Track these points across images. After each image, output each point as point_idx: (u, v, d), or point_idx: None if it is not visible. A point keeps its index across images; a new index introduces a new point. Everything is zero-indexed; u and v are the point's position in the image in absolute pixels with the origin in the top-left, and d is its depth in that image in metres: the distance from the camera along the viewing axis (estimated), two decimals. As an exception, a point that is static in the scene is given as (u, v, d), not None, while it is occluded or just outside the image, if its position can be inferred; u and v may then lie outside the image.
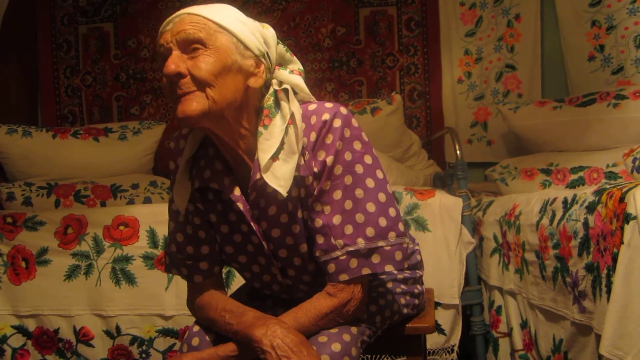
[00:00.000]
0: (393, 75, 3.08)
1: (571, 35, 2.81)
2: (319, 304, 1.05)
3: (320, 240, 1.05)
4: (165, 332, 2.03)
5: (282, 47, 1.11)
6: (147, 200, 2.46)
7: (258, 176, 1.03)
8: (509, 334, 1.99)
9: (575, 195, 1.51)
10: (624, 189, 1.24)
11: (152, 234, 2.04)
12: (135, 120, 3.04)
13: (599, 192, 1.36)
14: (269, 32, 1.08)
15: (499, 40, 2.95)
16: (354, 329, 1.07)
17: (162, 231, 2.04)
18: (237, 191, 1.08)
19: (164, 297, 2.01)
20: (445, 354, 1.96)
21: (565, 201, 1.55)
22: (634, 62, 2.64)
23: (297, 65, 1.13)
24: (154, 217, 2.06)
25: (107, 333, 2.05)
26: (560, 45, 2.86)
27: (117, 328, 2.04)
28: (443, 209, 1.98)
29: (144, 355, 2.04)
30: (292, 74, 1.10)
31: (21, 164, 2.58)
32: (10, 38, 2.94)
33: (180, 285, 2.00)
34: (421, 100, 3.07)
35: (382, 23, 3.07)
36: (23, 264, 2.06)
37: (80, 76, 3.26)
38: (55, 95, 3.28)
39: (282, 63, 1.12)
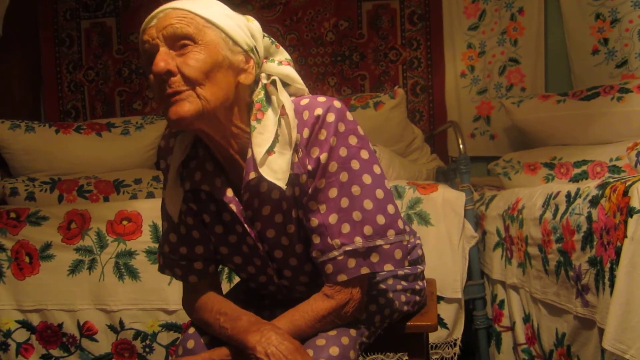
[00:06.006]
0: (396, 69, 3.07)
1: (575, 29, 2.79)
2: (317, 306, 1.01)
3: (316, 240, 1.01)
4: (169, 327, 2.04)
5: (267, 40, 1.07)
6: (150, 195, 2.46)
7: (252, 175, 0.99)
8: (511, 328, 1.99)
9: (578, 189, 1.50)
10: (628, 183, 1.24)
11: (155, 228, 2.05)
12: (137, 115, 3.04)
13: (602, 186, 1.35)
14: (254, 25, 1.04)
15: (503, 34, 2.93)
16: (352, 331, 1.04)
17: (165, 226, 2.04)
18: (229, 192, 1.05)
19: (167, 291, 2.02)
20: (448, 348, 1.96)
21: (568, 195, 1.54)
22: (639, 55, 2.63)
23: (284, 55, 1.08)
24: (157, 212, 2.04)
25: (111, 327, 2.05)
26: (564, 39, 2.85)
27: (121, 322, 2.04)
28: (446, 203, 1.98)
29: (147, 350, 2.05)
30: (281, 65, 1.06)
31: (24, 159, 2.59)
32: (13, 33, 2.94)
33: (183, 279, 2.00)
34: (424, 94, 3.06)
35: (384, 17, 3.06)
36: (27, 259, 2.06)
37: (82, 71, 3.26)
38: (58, 90, 3.28)
39: (268, 56, 1.08)
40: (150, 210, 2.08)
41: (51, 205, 2.27)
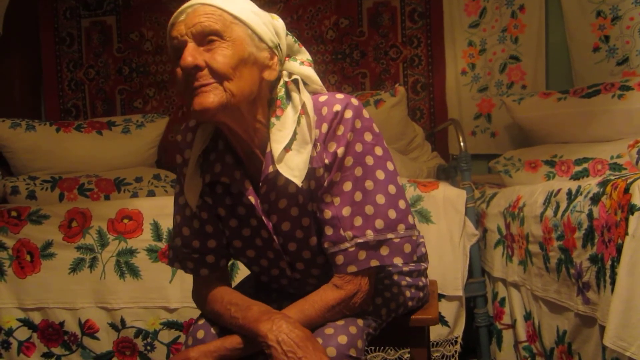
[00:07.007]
0: (396, 67, 3.07)
1: (576, 26, 2.79)
2: (326, 296, 1.04)
3: (329, 231, 1.04)
4: (170, 325, 2.04)
5: (290, 38, 1.11)
6: (151, 194, 2.46)
7: (271, 169, 1.02)
8: (512, 326, 1.99)
9: (579, 187, 1.50)
10: (629, 180, 1.24)
11: (155, 227, 2.05)
12: (138, 114, 3.05)
13: (603, 184, 1.35)
14: (279, 23, 1.08)
15: (503, 32, 2.93)
16: (360, 322, 1.07)
17: (166, 224, 2.05)
18: (247, 185, 1.08)
19: (168, 289, 2.02)
20: (449, 346, 1.96)
21: (569, 192, 1.54)
22: None
23: (305, 55, 1.12)
24: (157, 210, 2.07)
25: (112, 326, 2.06)
26: (565, 36, 2.84)
27: (122, 321, 2.05)
28: (447, 201, 1.98)
29: (148, 348, 2.05)
30: (303, 65, 1.09)
31: (25, 158, 2.59)
32: (13, 32, 2.94)
33: (184, 278, 2.00)
34: (425, 92, 3.06)
35: (385, 15, 3.06)
36: (28, 258, 2.07)
37: (83, 70, 3.26)
38: (59, 89, 3.28)
39: (291, 54, 1.12)
40: (151, 209, 2.08)
41: (52, 203, 2.27)
